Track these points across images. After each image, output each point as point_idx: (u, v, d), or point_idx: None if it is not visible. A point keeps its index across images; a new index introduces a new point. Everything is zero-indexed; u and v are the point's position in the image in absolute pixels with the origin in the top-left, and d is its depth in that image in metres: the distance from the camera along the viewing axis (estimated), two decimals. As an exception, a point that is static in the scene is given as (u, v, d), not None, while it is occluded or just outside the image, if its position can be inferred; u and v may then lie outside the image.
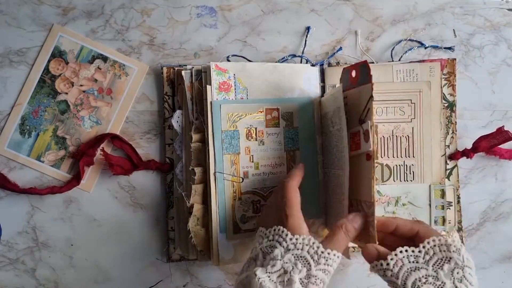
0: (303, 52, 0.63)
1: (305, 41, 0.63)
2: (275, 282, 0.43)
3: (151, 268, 0.62)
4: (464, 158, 0.63)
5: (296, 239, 0.45)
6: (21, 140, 0.62)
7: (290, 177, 0.52)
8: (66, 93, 0.62)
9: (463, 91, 0.63)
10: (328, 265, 0.45)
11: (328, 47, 0.64)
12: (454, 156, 0.63)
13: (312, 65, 0.62)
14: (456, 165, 0.63)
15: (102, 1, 0.63)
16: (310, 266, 0.44)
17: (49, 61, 0.62)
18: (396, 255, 0.45)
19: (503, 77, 0.64)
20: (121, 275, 0.62)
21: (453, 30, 0.65)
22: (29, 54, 0.62)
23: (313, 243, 0.45)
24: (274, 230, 0.47)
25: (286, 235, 0.46)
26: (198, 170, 0.57)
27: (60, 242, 0.62)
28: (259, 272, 0.44)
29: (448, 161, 0.63)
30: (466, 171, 0.63)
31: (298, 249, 0.45)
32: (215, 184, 0.57)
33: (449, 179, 0.62)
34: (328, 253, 0.45)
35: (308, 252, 0.45)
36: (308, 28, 0.64)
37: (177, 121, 0.59)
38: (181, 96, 0.60)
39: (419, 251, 0.45)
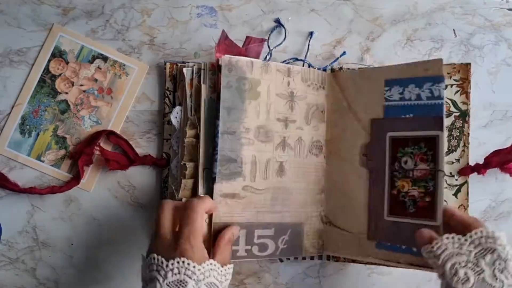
0: (305, 57, 0.63)
1: (308, 46, 0.63)
2: None
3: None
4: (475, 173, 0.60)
5: (203, 267, 0.46)
6: (21, 140, 0.62)
7: (201, 200, 0.50)
8: (66, 93, 0.62)
9: (463, 91, 0.63)
10: (227, 279, 0.48)
11: (328, 47, 0.64)
12: (464, 171, 0.59)
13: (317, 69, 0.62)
14: (466, 182, 0.59)
15: (102, 1, 0.63)
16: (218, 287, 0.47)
17: (49, 61, 0.62)
18: (441, 240, 0.47)
19: (503, 77, 0.64)
20: (121, 275, 0.62)
21: (453, 30, 0.65)
22: (29, 54, 0.62)
23: (215, 265, 0.47)
24: (178, 263, 0.45)
25: (194, 267, 0.45)
26: (189, 165, 0.57)
27: (60, 242, 0.62)
28: None
29: (456, 177, 0.59)
30: (466, 171, 0.64)
31: (207, 277, 0.46)
32: (203, 180, 0.57)
33: (456, 197, 0.59)
34: (226, 270, 0.48)
35: (214, 276, 0.46)
36: (311, 33, 0.63)
37: (176, 117, 0.60)
38: (182, 92, 0.60)
39: (465, 240, 0.46)
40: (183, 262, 0.45)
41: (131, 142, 0.62)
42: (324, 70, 0.63)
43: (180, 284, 0.45)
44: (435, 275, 0.64)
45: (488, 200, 0.64)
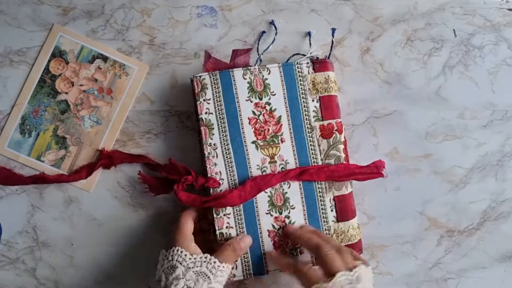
0: (310, 54, 0.62)
1: (310, 43, 0.63)
2: None
3: (151, 267, 0.62)
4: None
5: (195, 258, 0.50)
6: (21, 140, 0.62)
7: (186, 209, 0.57)
8: (66, 93, 0.62)
9: (463, 91, 0.63)
10: (222, 276, 0.51)
11: (329, 47, 0.64)
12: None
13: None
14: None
15: (102, 1, 0.63)
16: (210, 279, 0.49)
17: (49, 61, 0.62)
18: (337, 279, 0.47)
19: (503, 77, 0.64)
20: (121, 275, 0.62)
21: (453, 30, 0.65)
22: (29, 54, 0.62)
23: (210, 259, 0.51)
24: (173, 251, 0.51)
25: (185, 255, 0.50)
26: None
27: (61, 242, 0.62)
28: None
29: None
30: (466, 171, 0.63)
31: (197, 266, 0.50)
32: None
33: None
34: (223, 266, 0.51)
35: (206, 267, 0.50)
36: (309, 33, 0.63)
37: None
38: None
39: (352, 275, 0.48)
40: (177, 250, 0.51)
41: (131, 142, 0.62)
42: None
43: (171, 268, 0.50)
44: (435, 276, 0.64)
45: (488, 200, 0.64)
